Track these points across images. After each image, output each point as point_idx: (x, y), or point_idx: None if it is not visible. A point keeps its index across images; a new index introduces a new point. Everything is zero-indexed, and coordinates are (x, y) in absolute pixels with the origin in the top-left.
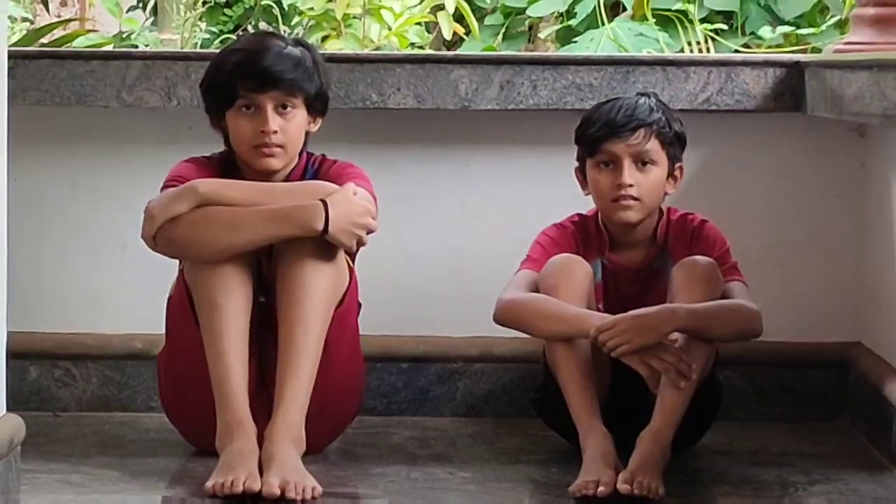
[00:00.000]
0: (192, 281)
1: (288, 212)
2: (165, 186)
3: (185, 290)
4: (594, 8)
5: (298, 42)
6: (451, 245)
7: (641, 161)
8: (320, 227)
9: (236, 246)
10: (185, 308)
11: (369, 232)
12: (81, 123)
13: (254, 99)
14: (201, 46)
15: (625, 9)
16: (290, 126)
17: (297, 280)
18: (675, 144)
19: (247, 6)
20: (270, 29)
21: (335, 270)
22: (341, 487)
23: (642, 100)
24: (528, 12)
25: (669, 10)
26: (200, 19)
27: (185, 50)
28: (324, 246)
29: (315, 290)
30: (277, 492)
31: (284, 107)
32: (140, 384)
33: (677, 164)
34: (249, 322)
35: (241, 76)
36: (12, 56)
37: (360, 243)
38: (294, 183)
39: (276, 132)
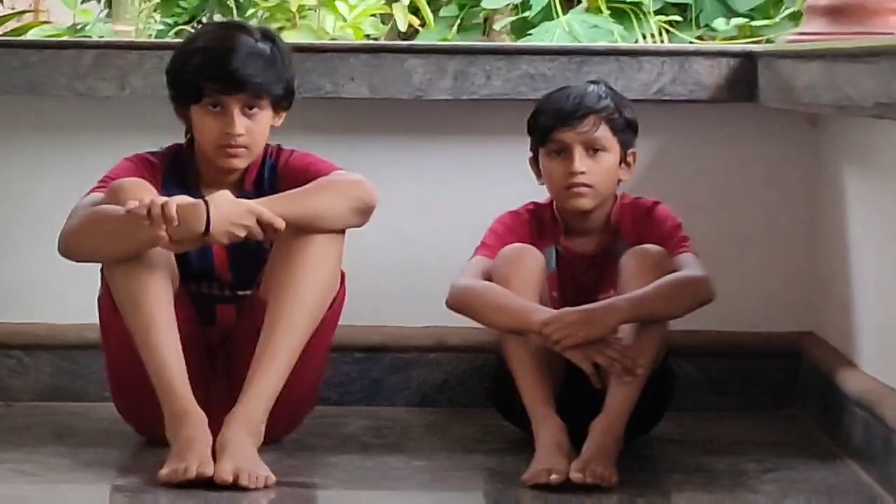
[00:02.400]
0: (110, 282)
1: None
2: (101, 182)
3: (108, 289)
4: (549, 1)
5: (266, 34)
6: (405, 235)
7: (592, 148)
8: (201, 228)
9: (129, 252)
10: (111, 306)
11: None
12: (34, 112)
13: (220, 99)
14: (156, 37)
15: (580, 1)
16: (255, 127)
17: (293, 277)
18: (626, 131)
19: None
20: (236, 19)
21: (332, 274)
22: (295, 477)
23: (592, 87)
24: (483, 4)
25: (624, 2)
26: (155, 10)
27: (138, 39)
28: (323, 246)
29: (309, 290)
30: (230, 479)
31: (251, 107)
32: (92, 374)
33: (630, 151)
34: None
35: (208, 78)
36: None
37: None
38: None
39: (241, 134)
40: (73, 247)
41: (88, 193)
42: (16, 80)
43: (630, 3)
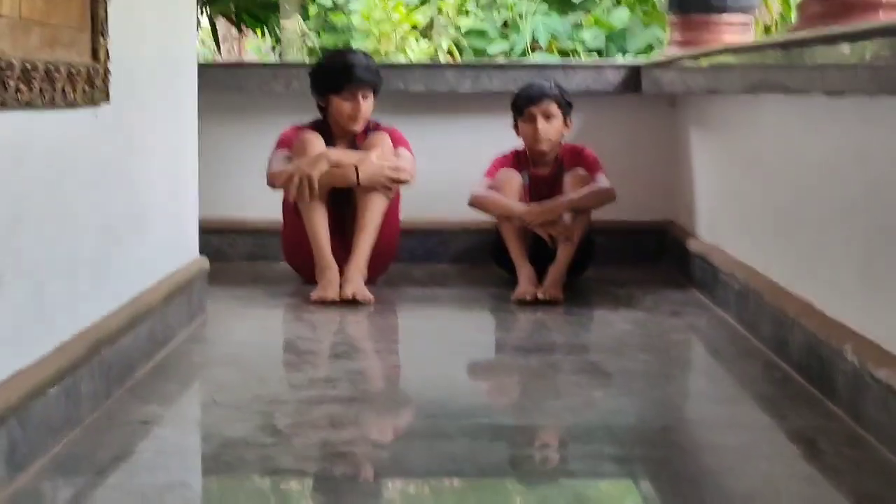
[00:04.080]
0: None
1: (339, 171)
2: (281, 140)
3: None
4: (525, 47)
5: (367, 55)
6: (447, 167)
7: (547, 117)
8: (354, 180)
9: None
10: (291, 203)
11: (404, 182)
12: (240, 103)
13: (351, 91)
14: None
15: (542, 47)
16: (367, 105)
17: (369, 196)
18: (566, 107)
19: (329, 48)
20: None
21: (386, 195)
22: (385, 300)
23: (547, 82)
24: (488, 51)
25: (566, 48)
26: (303, 52)
27: (295, 63)
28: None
29: (377, 201)
30: (350, 296)
31: (365, 96)
32: (273, 245)
33: (568, 118)
34: (339, 214)
35: (346, 79)
36: (201, 66)
37: (399, 181)
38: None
39: (361, 110)
40: (272, 185)
41: (275, 149)
42: (230, 84)
43: (570, 49)
